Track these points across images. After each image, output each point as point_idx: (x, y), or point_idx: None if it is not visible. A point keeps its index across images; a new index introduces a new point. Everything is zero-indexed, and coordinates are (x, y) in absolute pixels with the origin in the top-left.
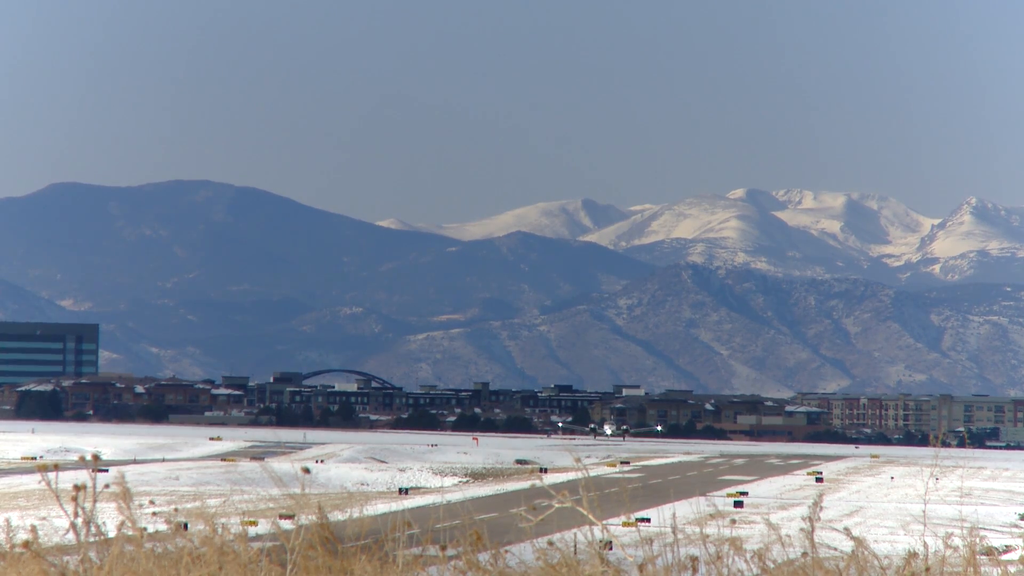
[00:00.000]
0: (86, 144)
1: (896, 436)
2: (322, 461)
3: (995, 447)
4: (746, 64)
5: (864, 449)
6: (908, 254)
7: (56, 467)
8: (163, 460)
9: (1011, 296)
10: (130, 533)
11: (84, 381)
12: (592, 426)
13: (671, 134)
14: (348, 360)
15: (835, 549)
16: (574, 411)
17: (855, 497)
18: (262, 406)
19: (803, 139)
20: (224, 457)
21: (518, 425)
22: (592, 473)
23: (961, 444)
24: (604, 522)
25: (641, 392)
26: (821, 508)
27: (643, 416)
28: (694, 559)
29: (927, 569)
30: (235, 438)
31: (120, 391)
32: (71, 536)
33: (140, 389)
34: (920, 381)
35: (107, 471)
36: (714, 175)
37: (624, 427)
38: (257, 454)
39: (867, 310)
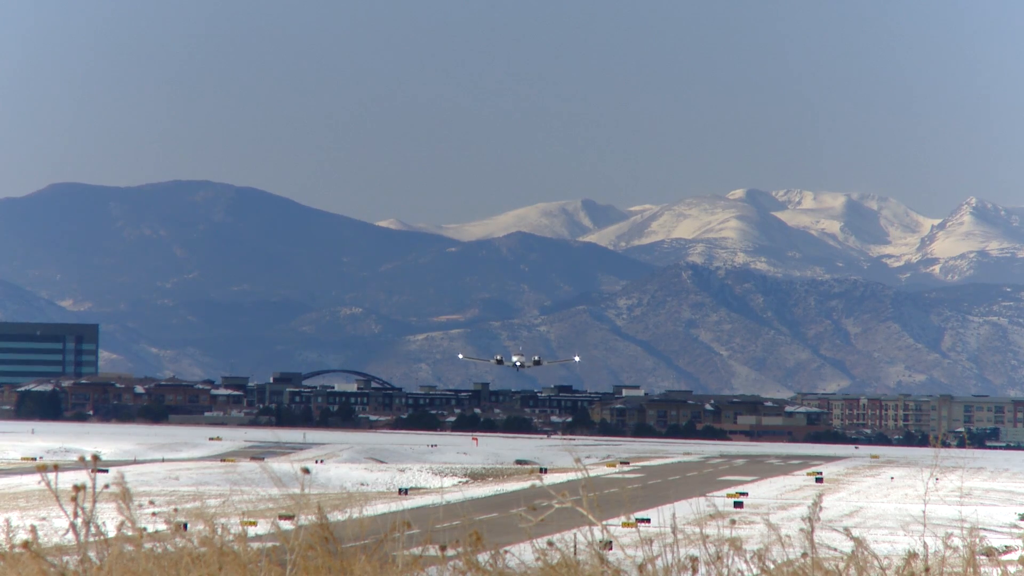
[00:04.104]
0: (86, 144)
1: (896, 436)
2: (322, 461)
3: (995, 447)
4: (747, 64)
5: (864, 449)
6: (908, 254)
7: (56, 468)
8: (163, 460)
9: (1011, 296)
10: (130, 533)
11: (84, 381)
12: (499, 357)
13: (671, 134)
14: (348, 360)
15: (835, 549)
16: (574, 411)
17: (855, 497)
18: (262, 406)
19: (803, 139)
20: (224, 457)
21: (518, 425)
22: (592, 473)
23: (961, 444)
24: (604, 522)
25: (641, 392)
26: (821, 508)
27: (643, 416)
28: (694, 559)
29: (927, 569)
30: (235, 438)
31: (120, 391)
32: (71, 536)
33: (140, 389)
34: (920, 381)
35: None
36: (714, 175)
37: (535, 358)
38: (257, 454)
39: (867, 310)
